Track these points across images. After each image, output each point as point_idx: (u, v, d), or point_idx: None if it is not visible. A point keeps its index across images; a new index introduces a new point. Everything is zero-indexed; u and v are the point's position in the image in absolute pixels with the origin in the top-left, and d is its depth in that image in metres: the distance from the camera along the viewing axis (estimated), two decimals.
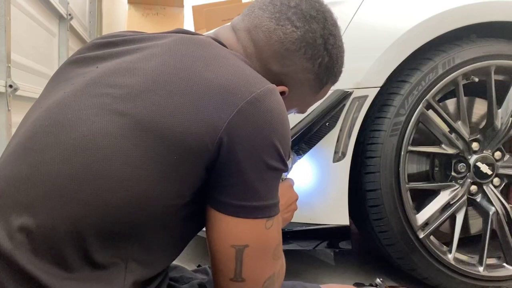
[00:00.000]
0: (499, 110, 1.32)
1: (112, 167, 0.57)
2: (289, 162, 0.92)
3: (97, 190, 0.56)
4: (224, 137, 0.59)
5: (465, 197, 1.32)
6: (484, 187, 1.34)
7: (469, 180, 1.32)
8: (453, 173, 1.33)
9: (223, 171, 0.61)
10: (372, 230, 1.32)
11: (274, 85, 0.66)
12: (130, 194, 0.57)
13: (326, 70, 0.77)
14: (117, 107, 0.60)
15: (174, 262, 0.82)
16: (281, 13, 0.73)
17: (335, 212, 1.26)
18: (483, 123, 1.38)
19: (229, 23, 0.80)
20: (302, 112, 0.86)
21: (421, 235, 1.28)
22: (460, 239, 1.32)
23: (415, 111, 1.25)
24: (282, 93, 0.75)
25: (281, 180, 0.86)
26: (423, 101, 1.26)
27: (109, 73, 0.64)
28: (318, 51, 0.74)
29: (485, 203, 1.35)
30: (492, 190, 1.34)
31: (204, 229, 0.68)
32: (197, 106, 0.59)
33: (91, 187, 0.56)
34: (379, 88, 1.24)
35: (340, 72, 0.82)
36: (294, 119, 1.22)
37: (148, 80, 0.61)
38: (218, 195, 0.62)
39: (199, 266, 0.98)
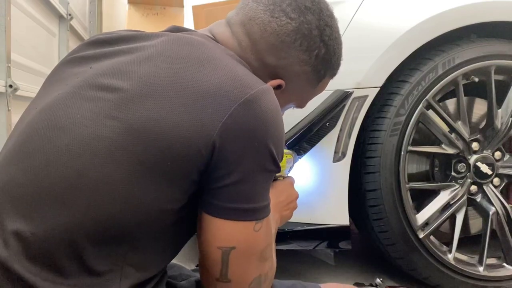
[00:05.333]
0: (499, 110, 1.32)
1: (106, 173, 0.56)
2: (289, 162, 0.92)
3: (90, 196, 0.56)
4: (217, 140, 0.58)
5: (465, 197, 1.32)
6: (484, 187, 1.34)
7: (469, 180, 1.32)
8: (453, 173, 1.33)
9: (214, 173, 0.60)
10: (372, 230, 1.32)
11: (268, 85, 0.64)
12: (124, 200, 0.56)
13: (323, 62, 0.76)
14: (110, 112, 0.59)
15: (173, 261, 0.82)
16: (276, 5, 0.72)
17: (335, 212, 1.26)
18: (483, 123, 1.38)
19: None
20: (301, 107, 0.84)
21: (421, 235, 1.27)
22: (460, 239, 1.32)
23: (415, 111, 1.25)
24: (279, 87, 0.74)
25: (281, 179, 0.86)
26: (423, 101, 1.25)
27: (102, 74, 0.63)
28: (314, 42, 0.73)
29: (485, 203, 1.35)
30: (492, 190, 1.34)
31: None
32: (189, 110, 0.58)
33: (85, 193, 0.56)
34: (379, 88, 1.24)
35: (339, 64, 0.80)
36: (294, 119, 1.22)
37: (140, 84, 0.60)
38: (209, 197, 0.61)
39: (197, 266, 0.97)
